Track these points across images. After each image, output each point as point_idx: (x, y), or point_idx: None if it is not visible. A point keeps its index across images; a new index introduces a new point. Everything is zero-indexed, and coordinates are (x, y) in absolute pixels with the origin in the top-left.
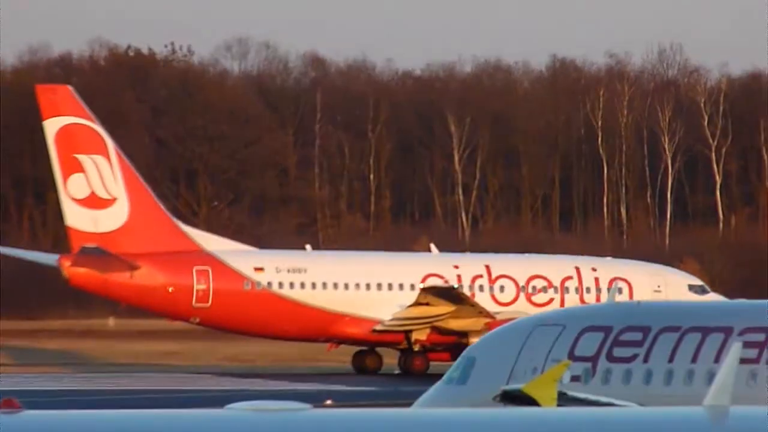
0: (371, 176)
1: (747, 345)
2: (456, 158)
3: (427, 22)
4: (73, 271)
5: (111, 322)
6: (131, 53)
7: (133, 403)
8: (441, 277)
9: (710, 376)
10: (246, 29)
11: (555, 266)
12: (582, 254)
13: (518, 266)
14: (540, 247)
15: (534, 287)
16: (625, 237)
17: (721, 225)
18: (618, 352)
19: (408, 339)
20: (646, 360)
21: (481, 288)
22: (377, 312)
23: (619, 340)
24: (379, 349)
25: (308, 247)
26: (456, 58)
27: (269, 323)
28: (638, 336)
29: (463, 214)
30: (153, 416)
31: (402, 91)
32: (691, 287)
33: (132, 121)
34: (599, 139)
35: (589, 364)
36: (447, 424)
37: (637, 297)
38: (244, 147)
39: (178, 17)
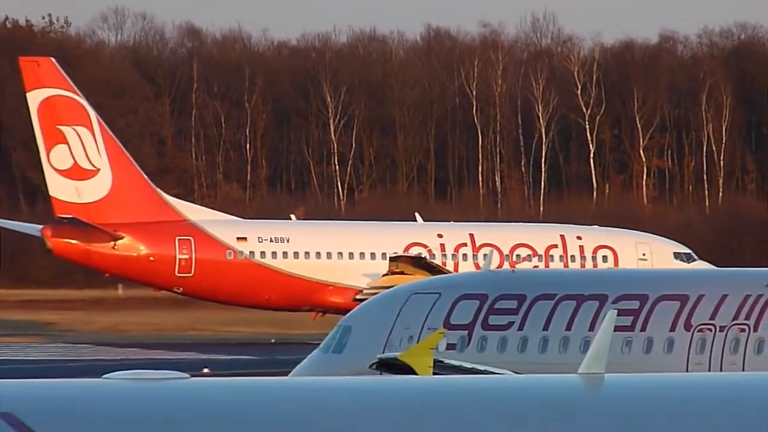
0: (247, 146)
1: (622, 313)
2: (331, 128)
3: None
4: (56, 241)
5: None
6: (9, 25)
7: (10, 373)
8: (424, 246)
9: (585, 344)
10: (122, 0)
11: (540, 234)
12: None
13: (502, 234)
14: (415, 216)
15: (518, 255)
16: (499, 206)
17: (595, 193)
18: (493, 320)
19: None
20: (521, 328)
21: (465, 257)
22: (360, 281)
23: (494, 308)
24: None
25: (293, 216)
26: (331, 28)
27: (252, 293)
28: (513, 304)
29: (339, 184)
30: (29, 386)
31: (278, 61)
32: (677, 255)
33: (9, 92)
34: (474, 109)
35: (464, 332)
36: (322, 392)
37: (622, 265)
38: (121, 117)
39: None
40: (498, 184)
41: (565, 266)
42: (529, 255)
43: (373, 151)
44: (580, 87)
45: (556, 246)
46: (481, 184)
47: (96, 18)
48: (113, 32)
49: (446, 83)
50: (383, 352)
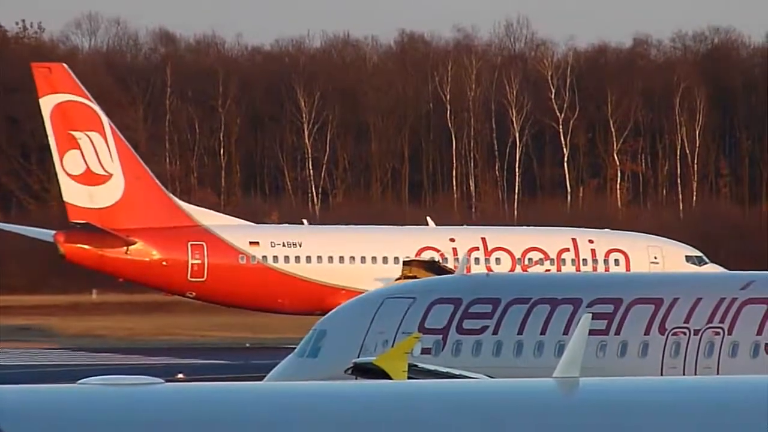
0: (221, 151)
1: (596, 316)
2: (306, 133)
3: None
4: (69, 247)
5: None
6: None
7: None
8: (436, 250)
9: (560, 348)
10: (96, 6)
11: (551, 238)
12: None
13: (514, 238)
14: (389, 221)
15: (530, 259)
16: (474, 210)
17: (569, 197)
18: (468, 324)
19: None
20: (495, 332)
21: (477, 260)
22: (373, 285)
23: (468, 312)
24: None
25: (305, 221)
26: (305, 33)
27: (265, 297)
28: (488, 308)
29: (313, 189)
30: (3, 391)
31: (251, 66)
32: (689, 258)
33: None
34: (448, 113)
35: (439, 336)
36: (297, 397)
37: (634, 269)
38: None
39: None
40: (472, 188)
41: (577, 270)
42: (541, 259)
43: (347, 156)
44: (553, 91)
45: (568, 250)
46: (455, 188)
47: (70, 23)
48: (87, 38)
49: (420, 88)
50: (358, 357)
